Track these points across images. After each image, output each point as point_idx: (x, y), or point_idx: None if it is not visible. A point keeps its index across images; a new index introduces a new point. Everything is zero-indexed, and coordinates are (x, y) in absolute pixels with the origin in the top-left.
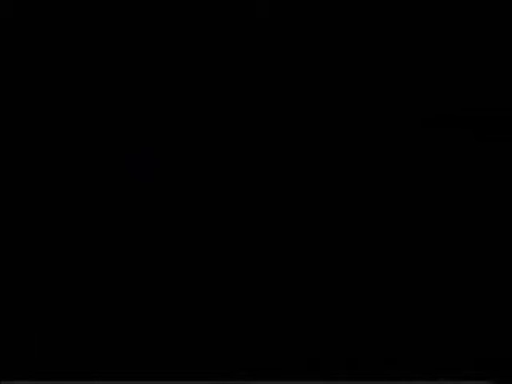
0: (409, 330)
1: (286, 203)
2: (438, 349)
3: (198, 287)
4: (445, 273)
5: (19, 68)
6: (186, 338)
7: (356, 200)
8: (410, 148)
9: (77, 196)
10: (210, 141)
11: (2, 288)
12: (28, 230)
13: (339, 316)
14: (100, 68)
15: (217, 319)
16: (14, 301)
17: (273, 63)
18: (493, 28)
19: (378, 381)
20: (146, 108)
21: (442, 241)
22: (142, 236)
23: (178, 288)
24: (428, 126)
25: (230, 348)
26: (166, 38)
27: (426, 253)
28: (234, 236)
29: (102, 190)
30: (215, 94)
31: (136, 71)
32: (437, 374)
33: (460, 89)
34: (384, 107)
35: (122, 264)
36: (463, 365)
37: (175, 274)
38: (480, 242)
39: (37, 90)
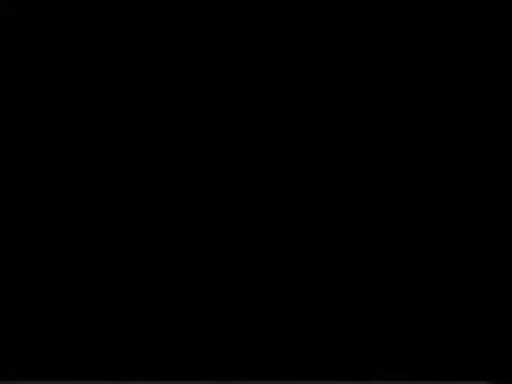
0: (408, 330)
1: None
2: (438, 349)
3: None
4: (444, 272)
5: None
6: (184, 337)
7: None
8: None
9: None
10: (208, 139)
11: (1, 288)
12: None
13: (338, 315)
14: (99, 66)
15: (215, 318)
16: (13, 300)
17: (272, 59)
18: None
19: (378, 381)
20: (145, 107)
21: (438, 237)
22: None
23: (176, 287)
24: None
25: (229, 347)
26: (161, 33)
27: (425, 252)
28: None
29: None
30: (214, 90)
31: (134, 68)
32: (436, 373)
33: None
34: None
35: (121, 263)
36: (463, 365)
37: (173, 273)
38: (479, 240)
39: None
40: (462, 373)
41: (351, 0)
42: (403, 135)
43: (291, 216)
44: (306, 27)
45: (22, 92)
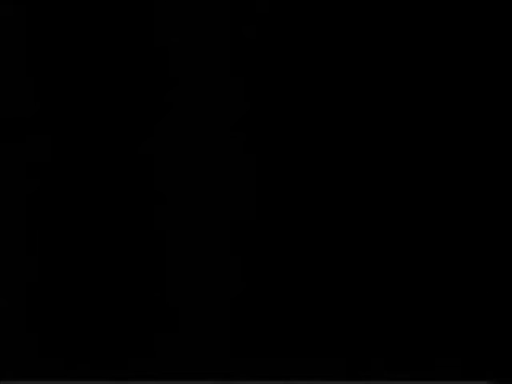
0: (408, 330)
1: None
2: (438, 349)
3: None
4: (444, 272)
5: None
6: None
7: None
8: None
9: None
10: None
11: (1, 288)
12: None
13: (338, 315)
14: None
15: (215, 318)
16: (13, 300)
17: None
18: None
19: (378, 381)
20: (145, 106)
21: (438, 237)
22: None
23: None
24: None
25: (229, 347)
26: (161, 33)
27: (424, 252)
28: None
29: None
30: (214, 89)
31: (134, 68)
32: (436, 373)
33: None
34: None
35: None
36: (463, 365)
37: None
38: (479, 240)
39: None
40: (462, 373)
41: (351, 0)
42: (403, 135)
43: (291, 216)
44: (306, 27)
45: (22, 92)
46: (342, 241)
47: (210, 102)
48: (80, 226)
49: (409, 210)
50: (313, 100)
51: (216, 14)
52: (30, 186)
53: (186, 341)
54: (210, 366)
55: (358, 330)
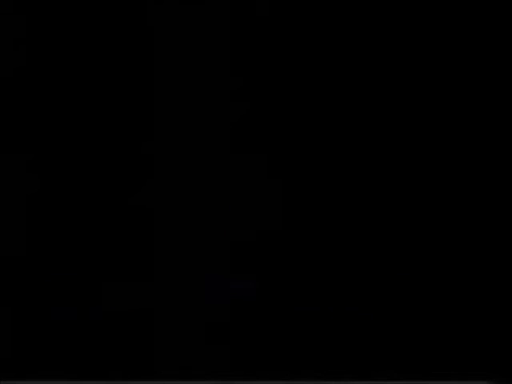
0: (408, 330)
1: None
2: (438, 348)
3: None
4: (444, 273)
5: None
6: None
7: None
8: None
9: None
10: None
11: (2, 288)
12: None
13: (338, 315)
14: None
15: (216, 318)
16: (14, 301)
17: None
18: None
19: (378, 381)
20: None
21: (437, 239)
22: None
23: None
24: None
25: (230, 347)
26: (162, 34)
27: (424, 253)
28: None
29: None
30: (215, 90)
31: (134, 69)
32: (436, 373)
33: None
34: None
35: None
36: (463, 365)
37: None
38: (478, 241)
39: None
40: (462, 373)
41: (351, 1)
42: (403, 135)
43: (294, 219)
44: (306, 28)
45: (22, 92)
46: (343, 243)
47: (210, 102)
48: (83, 233)
49: (408, 214)
50: (312, 100)
51: (216, 14)
52: (31, 186)
53: (185, 341)
54: (210, 365)
55: (359, 331)
